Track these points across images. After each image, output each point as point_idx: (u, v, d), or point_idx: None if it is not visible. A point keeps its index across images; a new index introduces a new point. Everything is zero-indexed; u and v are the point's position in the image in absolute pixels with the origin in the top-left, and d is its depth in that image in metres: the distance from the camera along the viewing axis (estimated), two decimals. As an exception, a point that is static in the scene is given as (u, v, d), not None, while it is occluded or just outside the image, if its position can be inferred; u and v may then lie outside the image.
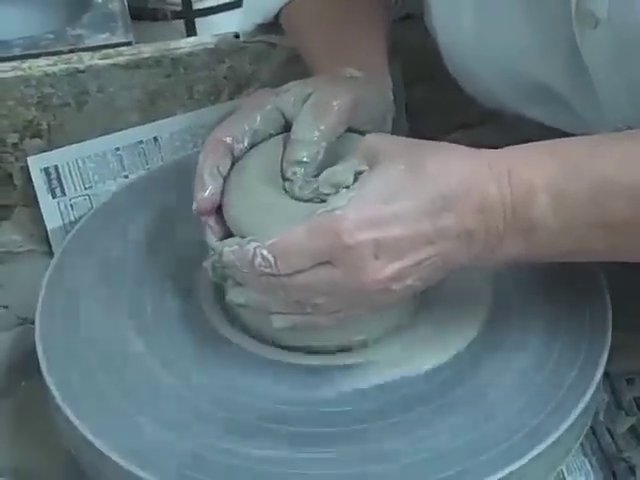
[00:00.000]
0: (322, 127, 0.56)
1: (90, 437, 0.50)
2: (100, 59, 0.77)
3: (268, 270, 0.50)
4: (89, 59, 0.77)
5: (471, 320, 0.58)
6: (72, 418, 0.51)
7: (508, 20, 0.61)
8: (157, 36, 1.55)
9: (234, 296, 0.54)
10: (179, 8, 1.75)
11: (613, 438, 0.59)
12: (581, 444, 0.58)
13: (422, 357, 0.56)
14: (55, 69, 0.76)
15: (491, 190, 0.50)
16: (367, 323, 0.56)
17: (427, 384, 0.55)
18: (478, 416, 0.52)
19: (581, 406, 0.52)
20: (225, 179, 0.57)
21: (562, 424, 0.51)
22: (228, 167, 0.58)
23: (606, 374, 0.61)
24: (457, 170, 0.50)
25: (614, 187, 0.49)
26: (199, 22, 1.77)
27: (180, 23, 1.76)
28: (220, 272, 0.55)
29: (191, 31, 1.75)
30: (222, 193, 0.56)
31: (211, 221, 0.57)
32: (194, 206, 0.57)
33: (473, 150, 0.52)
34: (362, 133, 0.59)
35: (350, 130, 0.59)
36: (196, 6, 1.77)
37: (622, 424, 0.60)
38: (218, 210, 0.57)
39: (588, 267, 0.61)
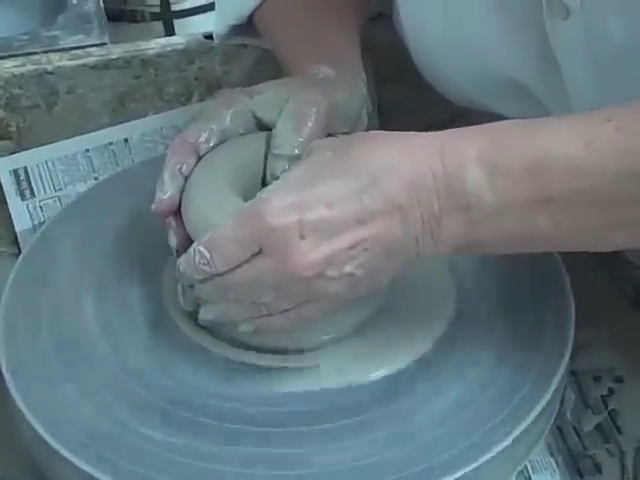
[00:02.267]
0: (302, 139, 0.56)
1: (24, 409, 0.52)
2: (69, 60, 0.77)
3: (207, 268, 0.50)
4: (58, 60, 0.76)
5: (427, 331, 0.58)
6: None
7: (475, 13, 0.61)
8: (135, 38, 1.53)
9: (202, 315, 0.55)
10: (157, 10, 1.73)
11: (579, 437, 0.60)
12: (547, 443, 0.58)
13: (370, 366, 0.56)
14: (23, 70, 0.75)
15: (421, 165, 0.48)
16: (324, 324, 0.56)
17: (365, 395, 0.54)
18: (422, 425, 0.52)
19: (540, 406, 0.52)
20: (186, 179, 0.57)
21: (520, 423, 0.51)
22: (192, 168, 0.57)
23: (572, 372, 0.62)
24: (384, 149, 0.49)
25: (551, 159, 0.47)
26: (178, 24, 1.76)
27: (159, 25, 1.75)
28: (190, 295, 0.55)
29: (170, 32, 1.74)
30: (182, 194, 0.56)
31: (173, 222, 0.56)
32: (152, 207, 0.56)
33: (405, 133, 0.51)
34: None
35: (328, 135, 0.59)
36: (174, 7, 1.75)
37: (589, 422, 0.60)
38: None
39: (552, 263, 0.61)
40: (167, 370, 0.56)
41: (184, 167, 0.57)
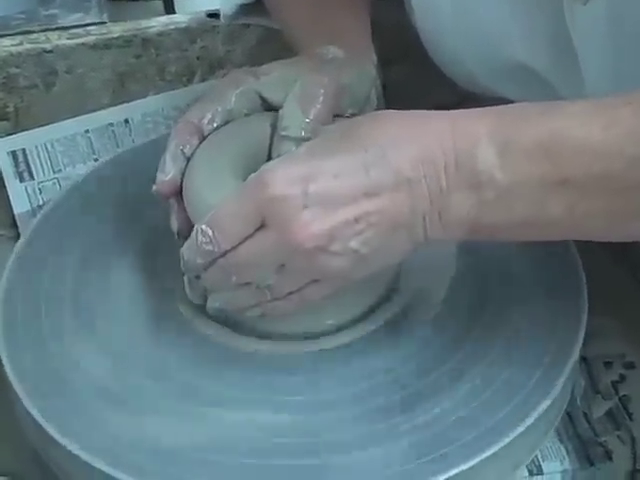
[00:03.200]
0: (309, 120, 0.55)
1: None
2: (68, 39, 0.75)
3: (210, 247, 0.49)
4: (57, 39, 0.75)
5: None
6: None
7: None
8: (134, 16, 1.51)
9: (209, 304, 0.54)
10: (157, -12, 1.72)
11: (590, 423, 0.59)
12: (557, 430, 0.57)
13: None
14: (21, 49, 0.74)
15: (431, 141, 0.47)
16: (329, 308, 0.55)
17: None
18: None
19: (552, 394, 0.51)
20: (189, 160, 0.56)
21: (533, 411, 0.50)
22: (195, 148, 0.56)
23: (583, 358, 0.61)
24: (394, 125, 0.48)
25: (566, 139, 0.46)
26: (178, 2, 1.74)
27: (158, 3, 1.73)
28: (197, 287, 0.54)
29: (170, 11, 1.71)
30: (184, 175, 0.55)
31: (175, 204, 0.55)
32: (153, 189, 0.55)
33: (416, 111, 0.50)
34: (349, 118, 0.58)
35: (336, 116, 0.58)
36: (174, -15, 1.74)
37: (599, 409, 0.60)
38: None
39: (565, 250, 0.60)
40: (168, 357, 0.55)
41: (187, 148, 0.56)
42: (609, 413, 0.60)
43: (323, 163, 0.47)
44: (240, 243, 0.49)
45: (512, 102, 0.65)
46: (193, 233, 0.50)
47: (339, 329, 0.56)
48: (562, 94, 0.61)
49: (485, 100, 0.70)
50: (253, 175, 0.48)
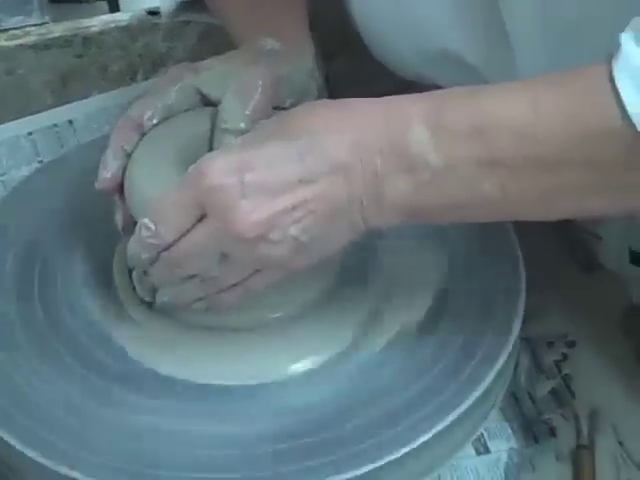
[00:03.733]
0: (249, 112, 0.55)
1: None
2: (7, 40, 0.75)
3: (153, 241, 0.49)
4: (-4, 40, 0.75)
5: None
6: None
7: None
8: (79, 18, 1.51)
9: (158, 299, 0.54)
10: (102, -11, 1.71)
11: (534, 402, 0.60)
12: (502, 409, 0.59)
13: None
14: (-41, 52, 0.73)
15: (364, 124, 0.48)
16: (273, 299, 0.56)
17: None
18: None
19: (492, 373, 0.52)
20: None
21: (473, 391, 0.51)
22: (135, 144, 0.56)
23: (526, 339, 0.62)
24: (326, 111, 0.49)
25: (495, 120, 0.46)
26: (123, 2, 1.74)
27: (103, 5, 1.73)
28: (145, 283, 0.54)
29: (115, 12, 1.71)
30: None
31: (118, 200, 0.56)
32: (95, 186, 0.55)
33: (349, 99, 0.50)
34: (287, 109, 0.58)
35: (275, 108, 0.58)
36: (119, -14, 1.73)
37: (543, 387, 0.61)
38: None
39: (501, 228, 0.61)
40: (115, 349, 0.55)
41: (127, 144, 0.56)
42: (553, 392, 0.61)
43: (258, 152, 0.48)
44: (182, 235, 0.49)
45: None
46: (137, 228, 0.51)
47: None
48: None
49: (426, 89, 0.71)
50: (192, 166, 0.49)
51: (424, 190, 0.48)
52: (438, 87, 0.67)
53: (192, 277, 0.52)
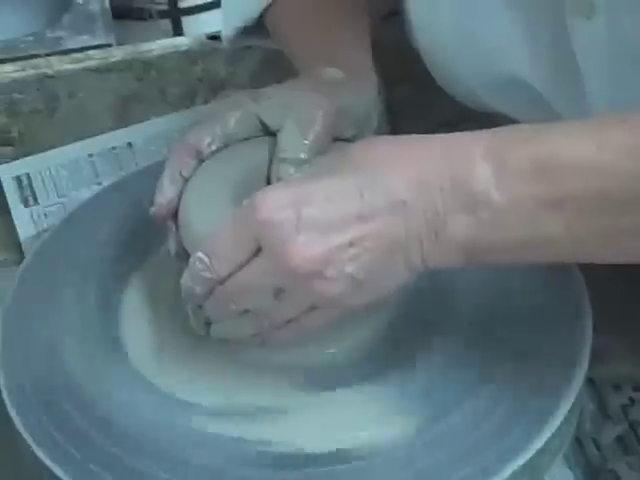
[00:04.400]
0: (308, 142, 0.54)
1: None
2: (70, 63, 0.75)
3: (207, 274, 0.48)
4: (58, 64, 0.75)
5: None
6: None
7: (489, 13, 0.59)
8: (142, 36, 1.53)
9: (213, 334, 0.53)
10: (165, 7, 1.72)
11: (599, 449, 0.58)
12: (565, 456, 0.56)
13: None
14: (23, 74, 0.74)
15: (424, 161, 0.46)
16: (329, 336, 0.54)
17: None
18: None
19: (557, 420, 0.50)
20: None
21: (538, 438, 0.49)
22: (193, 170, 0.56)
23: (591, 381, 0.60)
24: (386, 147, 0.48)
25: (560, 158, 0.45)
26: (186, 21, 1.75)
27: (166, 22, 1.74)
28: (200, 317, 0.53)
29: (178, 30, 1.72)
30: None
31: (172, 226, 0.55)
32: (151, 211, 0.55)
33: (407, 135, 0.49)
34: (348, 140, 0.57)
35: (335, 138, 0.57)
36: (182, 5, 1.74)
37: (608, 434, 0.58)
38: None
39: (567, 267, 0.59)
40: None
41: (185, 170, 0.55)
42: (619, 438, 0.58)
43: (316, 187, 0.47)
44: (237, 270, 0.48)
45: (513, 119, 0.65)
46: (191, 261, 0.50)
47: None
48: (562, 112, 0.61)
49: (488, 118, 0.70)
50: (247, 200, 0.48)
51: (486, 229, 0.46)
52: (501, 116, 0.66)
53: (246, 312, 0.51)
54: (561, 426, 0.50)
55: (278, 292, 0.48)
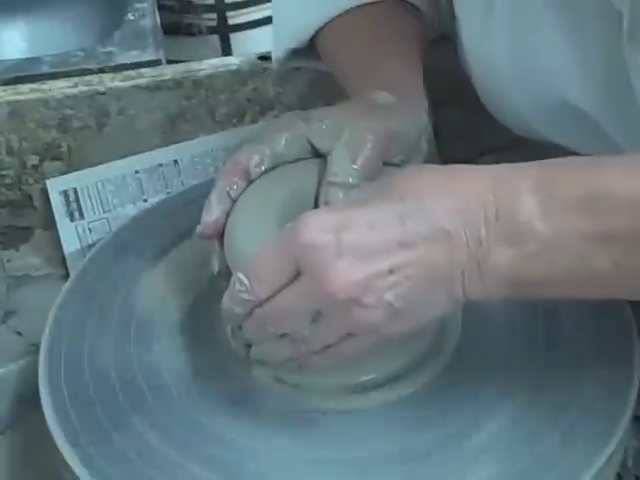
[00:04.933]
0: (358, 166, 0.55)
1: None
2: (121, 81, 0.76)
3: (246, 296, 0.48)
4: (110, 80, 0.76)
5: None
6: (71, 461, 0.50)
7: (543, 38, 0.59)
8: (191, 52, 1.54)
9: (252, 355, 0.53)
10: (214, 23, 1.74)
11: (642, 487, 0.56)
12: (608, 493, 0.55)
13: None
14: (75, 91, 0.75)
15: (470, 192, 0.46)
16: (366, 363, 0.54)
17: None
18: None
19: (602, 459, 0.49)
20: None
21: (583, 476, 0.48)
22: (241, 191, 0.56)
23: (637, 418, 0.58)
24: (431, 177, 0.48)
25: (609, 192, 0.44)
26: (234, 37, 1.76)
27: (215, 38, 1.75)
28: (239, 338, 0.53)
29: (226, 46, 1.74)
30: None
31: (217, 246, 0.55)
32: (197, 230, 0.55)
33: (456, 165, 0.49)
34: (397, 165, 0.57)
35: (385, 163, 0.57)
36: (231, 21, 1.76)
37: (652, 472, 0.57)
38: None
39: (616, 302, 0.58)
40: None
41: (233, 189, 0.56)
42: (662, 476, 0.57)
43: (358, 212, 0.47)
44: (276, 292, 0.48)
45: (564, 148, 0.65)
46: (231, 281, 0.50)
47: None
48: (618, 141, 0.60)
49: (536, 145, 0.69)
50: (290, 223, 0.48)
51: (530, 261, 0.46)
52: (551, 145, 0.66)
53: (284, 336, 0.50)
54: (604, 466, 0.50)
55: (316, 317, 0.48)
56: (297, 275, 0.47)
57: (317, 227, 0.46)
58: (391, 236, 0.46)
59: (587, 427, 0.51)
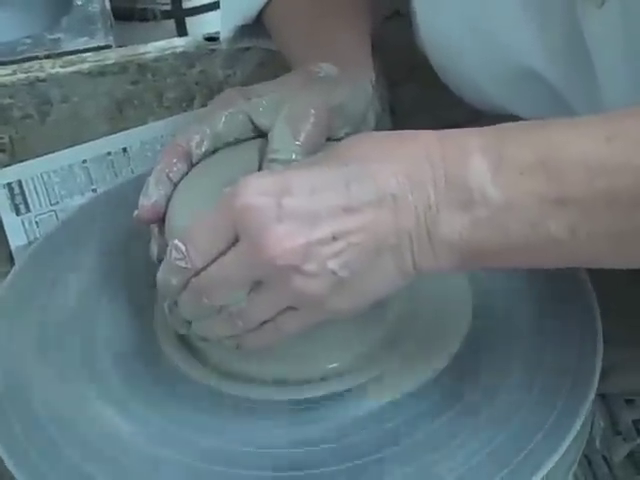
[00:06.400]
0: (300, 143, 0.52)
1: None
2: (62, 67, 0.73)
3: (182, 264, 0.46)
4: (50, 67, 0.73)
5: (441, 351, 0.54)
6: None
7: (498, 4, 0.57)
8: (145, 37, 1.51)
9: (193, 332, 0.51)
10: (169, 7, 1.70)
11: (610, 468, 0.55)
12: (575, 474, 0.54)
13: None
14: (14, 79, 0.72)
15: (417, 154, 0.44)
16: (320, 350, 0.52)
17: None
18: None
19: (568, 439, 0.48)
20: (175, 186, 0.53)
21: (549, 458, 0.47)
22: (182, 173, 0.54)
23: (602, 396, 0.57)
24: (377, 141, 0.46)
25: (565, 153, 0.42)
26: (190, 21, 1.73)
27: (170, 23, 1.72)
28: (177, 315, 0.51)
29: (182, 31, 1.71)
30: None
31: (155, 230, 0.53)
32: (134, 214, 0.53)
33: (400, 131, 0.47)
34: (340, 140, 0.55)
35: (329, 139, 0.55)
36: (186, 5, 1.72)
37: (620, 451, 0.56)
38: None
39: (576, 277, 0.57)
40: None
41: (173, 172, 0.54)
42: (630, 455, 0.56)
43: (300, 176, 0.45)
44: (213, 261, 0.46)
45: (523, 119, 0.63)
46: (167, 250, 0.48)
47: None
48: (575, 107, 0.58)
49: (498, 119, 0.67)
50: (228, 188, 0.46)
51: (482, 228, 0.44)
52: (510, 118, 0.64)
53: (222, 310, 0.48)
54: (571, 445, 0.48)
55: (255, 288, 0.46)
56: (235, 242, 0.45)
57: (257, 189, 0.44)
58: (335, 201, 0.44)
59: (550, 407, 0.50)
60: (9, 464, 0.48)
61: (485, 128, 0.45)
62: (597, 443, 0.56)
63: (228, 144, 0.56)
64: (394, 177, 0.44)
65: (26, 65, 0.73)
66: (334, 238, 0.44)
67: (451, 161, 0.44)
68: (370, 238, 0.44)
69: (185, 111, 0.77)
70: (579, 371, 0.52)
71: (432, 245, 0.44)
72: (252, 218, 0.44)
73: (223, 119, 0.55)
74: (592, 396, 0.50)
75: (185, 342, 0.55)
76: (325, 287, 0.45)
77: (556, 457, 0.47)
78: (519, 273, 0.56)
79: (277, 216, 0.43)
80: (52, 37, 1.13)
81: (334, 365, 0.53)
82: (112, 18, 1.26)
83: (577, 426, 0.49)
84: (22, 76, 0.72)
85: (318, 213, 0.44)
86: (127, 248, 0.62)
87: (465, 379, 0.52)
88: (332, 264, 0.44)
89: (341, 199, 0.44)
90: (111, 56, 0.74)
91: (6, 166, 0.74)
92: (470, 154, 0.43)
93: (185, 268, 0.46)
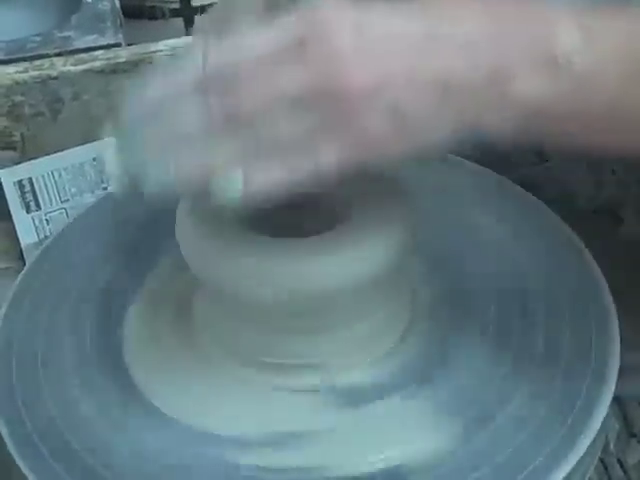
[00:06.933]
0: None
1: None
2: (73, 65, 0.73)
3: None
4: (62, 65, 0.73)
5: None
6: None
7: None
8: (154, 35, 1.50)
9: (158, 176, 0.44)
10: (177, 5, 1.70)
11: (625, 471, 0.55)
12: (589, 478, 0.53)
13: None
14: (25, 76, 0.72)
15: (501, 13, 0.42)
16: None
17: None
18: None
19: (586, 441, 0.47)
20: None
21: (565, 463, 0.46)
22: None
23: (617, 398, 0.57)
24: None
25: None
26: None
27: (179, 21, 1.72)
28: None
29: (190, 29, 1.71)
30: None
31: None
32: None
33: None
34: None
35: None
36: (195, 3, 1.72)
37: (634, 454, 0.56)
38: None
39: (592, 278, 0.56)
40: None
41: None
42: (646, 459, 0.56)
43: (378, 14, 0.42)
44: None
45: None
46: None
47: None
48: None
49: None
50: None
51: (561, 94, 0.42)
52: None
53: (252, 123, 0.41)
54: (587, 449, 0.48)
55: (295, 104, 0.40)
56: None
57: (335, 12, 0.40)
58: (413, 37, 0.41)
59: (566, 411, 0.49)
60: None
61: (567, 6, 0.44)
62: (611, 446, 0.56)
63: None
64: (476, 29, 0.42)
65: (38, 63, 0.73)
66: (405, 73, 0.41)
67: (537, 27, 0.42)
68: (440, 76, 0.41)
69: (196, 109, 0.76)
70: (595, 374, 0.51)
71: (501, 94, 0.42)
72: (324, 25, 0.40)
73: None
74: (608, 399, 0.50)
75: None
76: (387, 127, 0.41)
77: (571, 460, 0.47)
78: (534, 272, 0.56)
79: (354, 26, 0.40)
80: (62, 35, 1.13)
81: None
82: (122, 16, 1.26)
83: (593, 430, 0.48)
84: (34, 74, 0.72)
85: (397, 44, 0.41)
86: (138, 246, 0.62)
87: (480, 380, 0.51)
88: (400, 102, 0.41)
89: (419, 35, 0.41)
90: (122, 54, 0.74)
91: (17, 164, 0.73)
92: (558, 22, 0.42)
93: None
